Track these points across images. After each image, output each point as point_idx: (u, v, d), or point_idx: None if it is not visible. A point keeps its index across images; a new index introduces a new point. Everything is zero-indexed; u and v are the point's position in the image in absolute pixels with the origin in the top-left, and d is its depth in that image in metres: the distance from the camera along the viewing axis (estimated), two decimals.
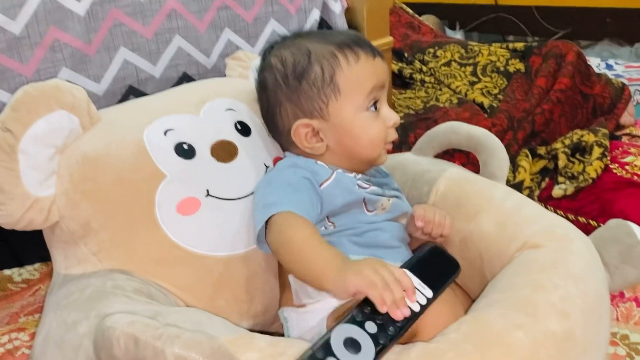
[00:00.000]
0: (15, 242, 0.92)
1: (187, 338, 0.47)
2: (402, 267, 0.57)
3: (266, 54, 0.75)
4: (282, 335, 0.65)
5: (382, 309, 0.51)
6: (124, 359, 0.49)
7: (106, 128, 0.69)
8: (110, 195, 0.65)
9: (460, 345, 0.50)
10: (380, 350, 0.49)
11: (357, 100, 0.70)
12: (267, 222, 0.63)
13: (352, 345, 0.48)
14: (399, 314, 0.51)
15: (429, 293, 0.55)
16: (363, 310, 0.51)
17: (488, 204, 0.73)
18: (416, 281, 0.55)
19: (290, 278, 0.67)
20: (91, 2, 0.75)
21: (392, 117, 0.72)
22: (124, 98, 0.82)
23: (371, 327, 0.50)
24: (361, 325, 0.50)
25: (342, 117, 0.70)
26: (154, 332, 0.47)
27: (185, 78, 0.88)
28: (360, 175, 0.73)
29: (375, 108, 0.71)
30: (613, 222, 0.70)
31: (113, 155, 0.66)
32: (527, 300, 0.54)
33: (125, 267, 0.64)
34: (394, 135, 0.73)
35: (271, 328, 0.73)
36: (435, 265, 0.59)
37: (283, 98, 0.71)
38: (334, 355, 0.47)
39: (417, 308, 0.53)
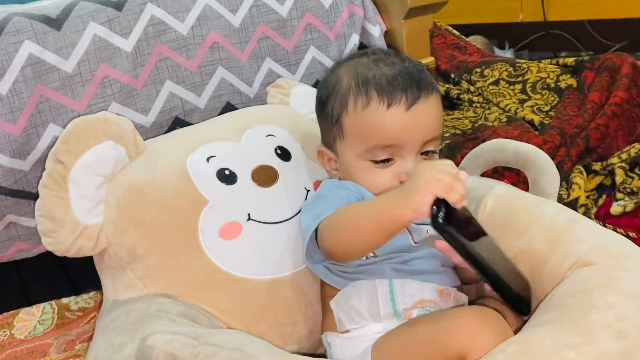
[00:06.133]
0: (72, 271, 0.96)
1: (223, 356, 0.47)
2: None
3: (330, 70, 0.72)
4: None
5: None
6: None
7: (151, 157, 0.71)
8: (154, 221, 0.67)
9: None
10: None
11: (356, 149, 0.64)
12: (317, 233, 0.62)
13: None
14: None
15: None
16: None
17: (538, 221, 0.70)
18: None
19: (332, 304, 0.66)
20: (137, 39, 0.78)
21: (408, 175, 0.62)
22: (170, 129, 0.84)
23: None
24: None
25: (346, 159, 0.67)
26: (191, 350, 0.48)
27: (229, 107, 0.90)
28: None
29: (387, 161, 0.64)
30: None
31: (157, 182, 0.68)
32: (579, 320, 0.51)
33: (170, 291, 0.65)
34: None
35: (318, 352, 0.72)
36: None
37: (318, 118, 0.72)
38: None
39: None
